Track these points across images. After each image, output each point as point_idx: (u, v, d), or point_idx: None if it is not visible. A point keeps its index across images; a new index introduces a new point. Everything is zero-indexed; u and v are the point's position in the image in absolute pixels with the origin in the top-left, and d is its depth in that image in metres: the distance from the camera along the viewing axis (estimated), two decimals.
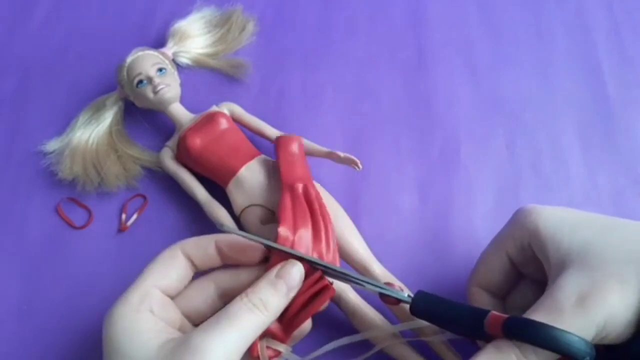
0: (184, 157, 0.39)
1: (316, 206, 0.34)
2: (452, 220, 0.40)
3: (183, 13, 0.47)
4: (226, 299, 0.29)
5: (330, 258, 0.33)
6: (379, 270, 0.35)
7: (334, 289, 0.30)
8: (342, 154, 0.38)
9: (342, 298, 0.34)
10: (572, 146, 0.42)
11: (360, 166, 0.37)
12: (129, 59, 0.41)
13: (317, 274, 0.30)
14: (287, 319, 0.30)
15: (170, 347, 0.25)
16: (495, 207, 0.40)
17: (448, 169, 0.42)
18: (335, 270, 0.30)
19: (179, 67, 0.44)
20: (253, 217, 0.37)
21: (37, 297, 0.38)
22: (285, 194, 0.35)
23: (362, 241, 0.37)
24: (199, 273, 0.31)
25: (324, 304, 0.30)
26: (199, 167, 0.39)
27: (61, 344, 0.36)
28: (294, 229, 0.33)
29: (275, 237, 0.32)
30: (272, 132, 0.40)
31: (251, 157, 0.38)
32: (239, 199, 0.37)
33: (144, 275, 0.29)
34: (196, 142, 0.38)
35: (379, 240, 0.38)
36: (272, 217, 0.36)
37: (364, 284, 0.30)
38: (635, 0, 0.49)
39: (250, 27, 0.47)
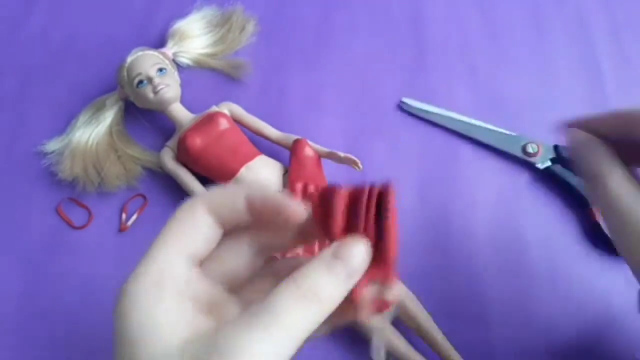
0: (184, 157, 0.39)
1: None
2: (452, 220, 0.40)
3: (183, 13, 0.47)
4: (266, 253, 0.24)
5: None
6: None
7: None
8: (342, 154, 0.38)
9: None
10: None
11: (360, 166, 0.37)
12: (129, 59, 0.41)
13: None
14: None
15: (193, 350, 0.19)
16: (495, 207, 0.40)
17: (448, 169, 0.42)
18: None
19: (179, 67, 0.44)
20: None
21: (38, 296, 0.38)
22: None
23: None
24: None
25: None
26: (199, 167, 0.39)
27: (61, 343, 0.36)
28: None
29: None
30: (272, 132, 0.40)
31: (251, 157, 0.38)
32: None
33: (161, 241, 0.22)
34: (196, 142, 0.38)
35: None
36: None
37: None
38: (636, 0, 0.49)
39: (250, 27, 0.47)
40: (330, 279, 0.20)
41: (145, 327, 0.20)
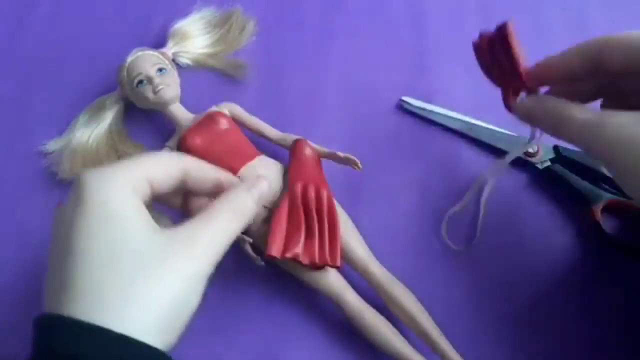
0: None
1: (311, 206, 0.35)
2: (452, 220, 0.40)
3: (183, 13, 0.47)
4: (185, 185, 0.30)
5: (326, 256, 0.34)
6: (378, 269, 0.35)
7: None
8: (342, 154, 0.38)
9: (342, 300, 0.35)
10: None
11: (360, 166, 0.37)
12: (129, 59, 0.41)
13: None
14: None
15: (167, 235, 0.25)
16: (495, 206, 0.40)
17: (448, 169, 0.42)
18: None
19: (179, 67, 0.44)
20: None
21: (37, 297, 0.38)
22: (284, 199, 0.35)
23: (361, 240, 0.37)
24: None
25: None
26: None
27: None
28: (286, 236, 0.34)
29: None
30: (272, 132, 0.40)
31: (251, 157, 0.38)
32: None
33: (135, 162, 0.27)
34: (196, 142, 0.38)
35: (379, 240, 0.38)
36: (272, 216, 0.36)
37: None
38: (636, 0, 0.49)
39: (250, 27, 0.47)
40: (250, 197, 0.29)
41: (129, 213, 0.25)
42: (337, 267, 0.34)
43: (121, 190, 0.25)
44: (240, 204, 0.29)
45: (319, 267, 0.35)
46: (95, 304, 0.23)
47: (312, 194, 0.35)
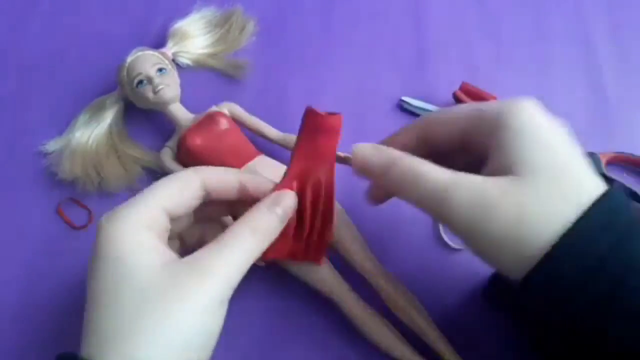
0: (184, 157, 0.39)
1: (307, 204, 0.32)
2: None
3: (183, 13, 0.47)
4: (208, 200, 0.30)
5: (310, 255, 0.33)
6: (379, 270, 0.35)
7: None
8: (342, 154, 0.38)
9: (341, 299, 0.35)
10: None
11: None
12: (129, 59, 0.41)
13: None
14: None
15: (175, 268, 0.25)
16: None
17: None
18: None
19: (179, 67, 0.44)
20: None
21: (37, 297, 0.38)
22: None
23: (362, 241, 0.37)
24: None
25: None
26: None
27: (61, 344, 0.36)
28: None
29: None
30: (272, 131, 0.40)
31: (251, 157, 0.38)
32: None
33: (152, 192, 0.27)
34: (196, 142, 0.38)
35: (379, 240, 0.38)
36: None
37: None
38: (636, 0, 0.49)
39: (250, 27, 0.47)
40: (272, 217, 0.28)
41: (133, 247, 0.25)
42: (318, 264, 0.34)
43: (131, 231, 0.26)
44: (263, 225, 0.28)
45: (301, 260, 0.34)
46: (103, 342, 0.24)
47: (309, 191, 0.32)
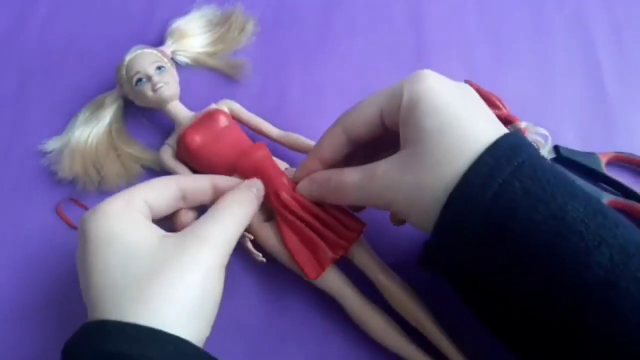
0: (183, 155, 0.39)
1: (296, 209, 0.35)
2: None
3: (183, 12, 0.47)
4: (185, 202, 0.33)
5: (347, 234, 0.35)
6: (382, 269, 0.35)
7: None
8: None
9: (343, 296, 0.34)
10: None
11: None
12: (127, 57, 0.41)
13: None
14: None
15: (174, 239, 0.28)
16: None
17: None
18: None
19: (178, 66, 0.44)
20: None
21: (36, 297, 0.38)
22: (275, 221, 0.36)
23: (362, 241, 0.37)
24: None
25: None
26: (198, 164, 0.39)
27: (60, 344, 0.36)
28: (311, 251, 0.35)
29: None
30: (272, 130, 0.41)
31: None
32: None
33: (133, 188, 0.30)
34: (196, 139, 0.38)
35: (379, 240, 0.38)
36: (272, 214, 0.36)
37: None
38: (636, 0, 0.49)
39: (250, 26, 0.47)
40: (250, 193, 0.33)
41: (129, 223, 0.28)
42: (362, 230, 0.35)
43: (120, 213, 0.28)
44: (246, 199, 0.32)
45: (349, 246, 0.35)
46: (121, 310, 0.25)
47: (285, 196, 0.35)
